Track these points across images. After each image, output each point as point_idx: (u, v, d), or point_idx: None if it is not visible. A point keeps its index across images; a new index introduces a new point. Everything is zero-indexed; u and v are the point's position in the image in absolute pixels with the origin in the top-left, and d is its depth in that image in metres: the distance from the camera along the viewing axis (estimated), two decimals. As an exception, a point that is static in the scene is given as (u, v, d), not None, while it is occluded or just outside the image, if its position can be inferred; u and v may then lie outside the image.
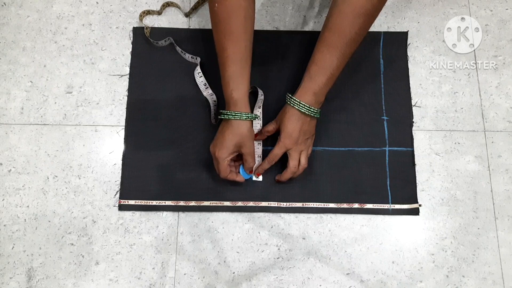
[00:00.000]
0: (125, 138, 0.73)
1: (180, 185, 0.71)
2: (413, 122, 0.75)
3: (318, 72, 0.63)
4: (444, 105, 0.76)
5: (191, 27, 0.79)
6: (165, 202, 0.70)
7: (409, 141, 0.74)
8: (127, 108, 0.74)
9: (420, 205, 0.71)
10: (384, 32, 0.79)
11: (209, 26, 0.79)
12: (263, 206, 0.70)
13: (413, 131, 0.74)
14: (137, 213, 0.70)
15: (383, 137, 0.74)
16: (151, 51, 0.77)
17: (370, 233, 0.70)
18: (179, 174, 0.71)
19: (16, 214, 0.70)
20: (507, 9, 0.81)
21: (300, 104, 0.63)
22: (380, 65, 0.77)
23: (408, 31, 0.79)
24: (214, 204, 0.70)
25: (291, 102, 0.64)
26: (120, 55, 0.77)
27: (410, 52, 0.78)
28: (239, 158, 0.68)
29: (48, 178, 0.71)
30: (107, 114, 0.74)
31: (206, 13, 0.80)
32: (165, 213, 0.70)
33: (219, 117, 0.65)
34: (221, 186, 0.70)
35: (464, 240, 0.70)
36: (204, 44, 0.77)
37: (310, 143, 0.68)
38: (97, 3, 0.80)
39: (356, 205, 0.71)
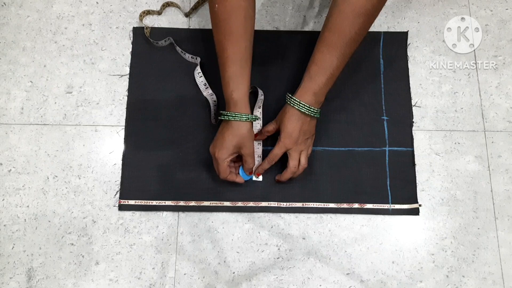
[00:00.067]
0: (125, 138, 0.73)
1: (180, 185, 0.71)
2: (413, 122, 0.75)
3: (318, 72, 0.63)
4: (444, 105, 0.76)
5: (191, 27, 0.79)
6: (165, 202, 0.70)
7: (409, 141, 0.74)
8: (127, 108, 0.74)
9: (420, 205, 0.71)
10: (384, 32, 0.79)
11: (209, 26, 0.79)
12: (263, 206, 0.70)
13: (413, 131, 0.74)
14: (137, 213, 0.70)
15: (383, 137, 0.74)
16: (151, 51, 0.77)
17: (370, 233, 0.70)
18: (179, 174, 0.71)
19: (16, 214, 0.70)
20: (507, 9, 0.81)
21: (300, 104, 0.63)
22: (380, 65, 0.77)
23: (408, 31, 0.79)
24: (214, 204, 0.70)
25: (291, 102, 0.64)
26: (120, 55, 0.77)
27: (410, 52, 0.78)
28: (239, 159, 0.68)
29: (48, 178, 0.71)
30: (107, 114, 0.74)
31: (206, 13, 0.80)
32: (165, 213, 0.70)
33: (219, 118, 0.65)
34: (221, 186, 0.70)
35: (464, 240, 0.70)
36: (204, 44, 0.77)
37: (310, 143, 0.68)
38: (97, 3, 0.80)
39: (356, 205, 0.71)
